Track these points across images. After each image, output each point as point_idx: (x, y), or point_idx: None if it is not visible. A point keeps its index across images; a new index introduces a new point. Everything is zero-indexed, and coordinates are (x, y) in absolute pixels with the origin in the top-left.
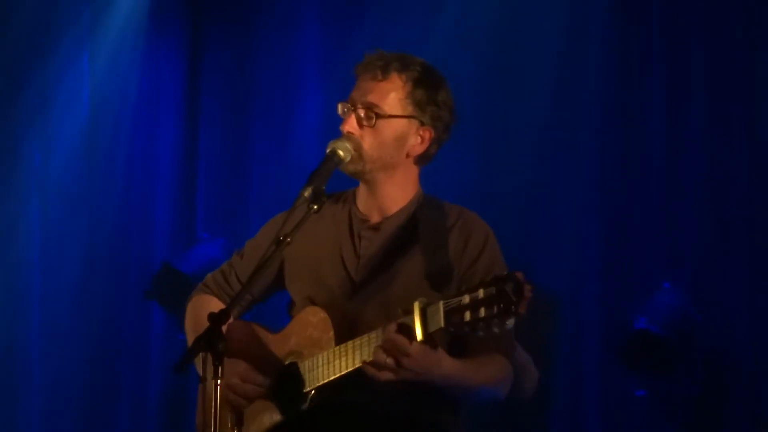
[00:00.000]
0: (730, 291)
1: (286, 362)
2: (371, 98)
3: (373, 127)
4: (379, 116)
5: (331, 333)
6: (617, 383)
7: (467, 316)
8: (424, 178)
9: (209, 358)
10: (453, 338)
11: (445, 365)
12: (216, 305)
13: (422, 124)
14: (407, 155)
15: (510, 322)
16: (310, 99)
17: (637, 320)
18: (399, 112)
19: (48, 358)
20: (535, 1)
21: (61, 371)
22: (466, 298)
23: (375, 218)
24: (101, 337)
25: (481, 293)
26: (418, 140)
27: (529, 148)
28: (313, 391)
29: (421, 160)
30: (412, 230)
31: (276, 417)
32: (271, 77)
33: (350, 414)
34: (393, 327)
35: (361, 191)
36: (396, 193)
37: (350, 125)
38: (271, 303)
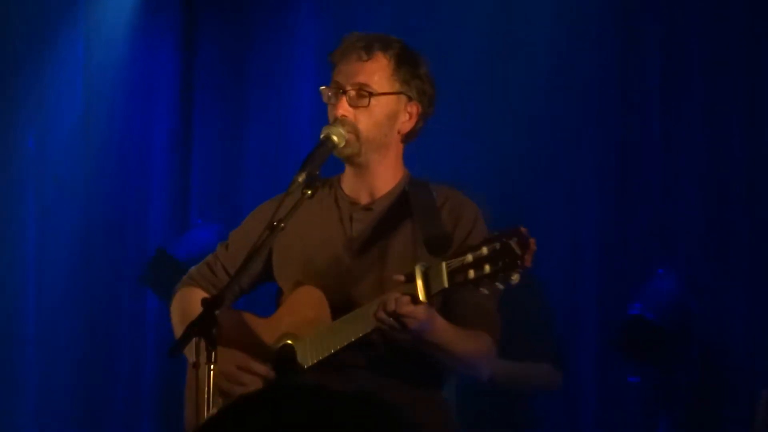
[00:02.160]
0: (725, 277)
1: (280, 344)
2: (360, 78)
3: (367, 107)
4: (372, 95)
5: (328, 310)
6: (612, 370)
7: (471, 274)
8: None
9: (203, 343)
10: (443, 309)
11: (439, 325)
12: (202, 297)
13: (410, 99)
14: (398, 132)
15: (515, 278)
16: (304, 87)
17: (632, 306)
18: (389, 89)
19: (43, 344)
20: None
21: (56, 357)
22: (469, 257)
23: (365, 200)
24: (96, 323)
25: (484, 250)
26: (406, 116)
27: (525, 138)
28: (309, 368)
29: (409, 137)
30: (403, 207)
31: None
32: (266, 64)
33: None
34: (395, 292)
35: (348, 175)
36: (387, 173)
37: (343, 108)
38: (259, 295)
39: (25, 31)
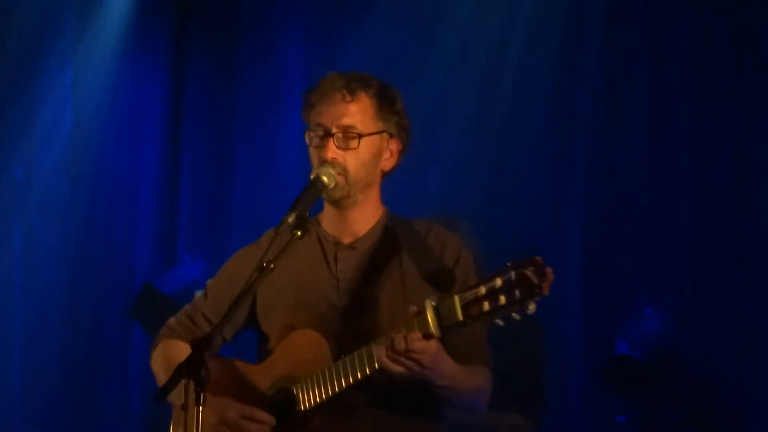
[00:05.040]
0: (712, 316)
1: (276, 389)
2: (346, 121)
3: (355, 149)
4: (360, 136)
5: (327, 350)
6: (599, 408)
7: (486, 306)
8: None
9: (191, 384)
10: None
11: (449, 366)
12: (185, 348)
13: (391, 136)
14: (381, 170)
15: (532, 307)
16: (293, 119)
17: (619, 345)
18: (373, 129)
19: (29, 377)
20: (529, 17)
21: (42, 390)
22: (482, 289)
23: (348, 239)
24: (82, 357)
25: (498, 282)
26: (388, 154)
27: (512, 173)
28: (309, 409)
29: (388, 174)
30: (389, 243)
31: None
32: (254, 97)
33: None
34: (401, 330)
35: (329, 215)
36: (368, 211)
37: (332, 151)
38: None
39: (13, 62)
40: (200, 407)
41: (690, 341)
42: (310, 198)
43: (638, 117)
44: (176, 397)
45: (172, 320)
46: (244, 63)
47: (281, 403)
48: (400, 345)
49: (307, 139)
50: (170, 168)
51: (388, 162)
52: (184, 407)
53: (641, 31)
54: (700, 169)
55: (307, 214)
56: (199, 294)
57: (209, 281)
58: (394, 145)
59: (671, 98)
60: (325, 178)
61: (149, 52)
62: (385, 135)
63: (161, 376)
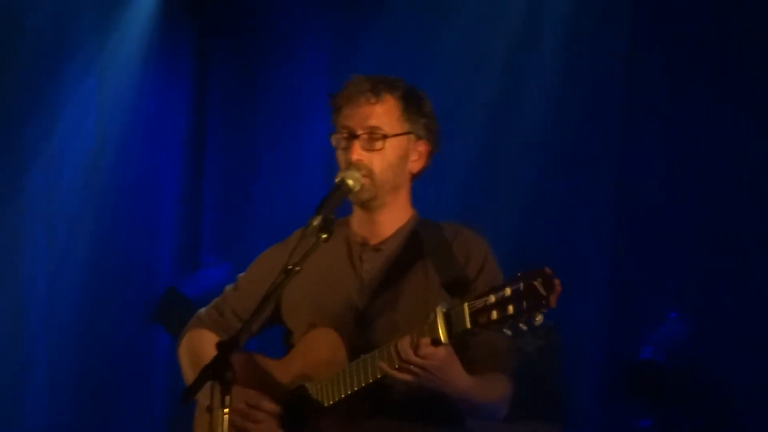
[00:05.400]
0: (737, 321)
1: (294, 386)
2: (372, 122)
3: (381, 150)
4: (386, 137)
5: (343, 352)
6: (622, 413)
7: (494, 315)
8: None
9: (217, 387)
10: (456, 347)
11: (461, 377)
12: (212, 339)
13: (418, 138)
14: (409, 172)
15: (539, 319)
16: (316, 123)
17: (643, 350)
18: (399, 130)
19: (52, 382)
20: (551, 18)
21: (64, 394)
22: (492, 298)
23: (374, 240)
24: (105, 361)
25: (507, 291)
26: (416, 156)
27: (535, 179)
28: (323, 409)
29: (417, 175)
30: (414, 247)
31: None
32: (278, 102)
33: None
34: (412, 335)
35: (358, 216)
36: (396, 213)
37: (358, 152)
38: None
39: (37, 69)
40: (225, 410)
41: (714, 346)
42: (334, 201)
43: (662, 120)
44: (201, 395)
45: (202, 311)
46: (267, 68)
47: (297, 400)
48: (407, 347)
49: (333, 142)
50: (193, 172)
51: (415, 164)
52: (209, 409)
53: (665, 30)
54: (725, 173)
55: (333, 217)
56: (229, 287)
57: (240, 275)
58: (422, 147)
59: (694, 99)
60: (350, 182)
61: (173, 57)
62: (412, 136)
63: (186, 368)
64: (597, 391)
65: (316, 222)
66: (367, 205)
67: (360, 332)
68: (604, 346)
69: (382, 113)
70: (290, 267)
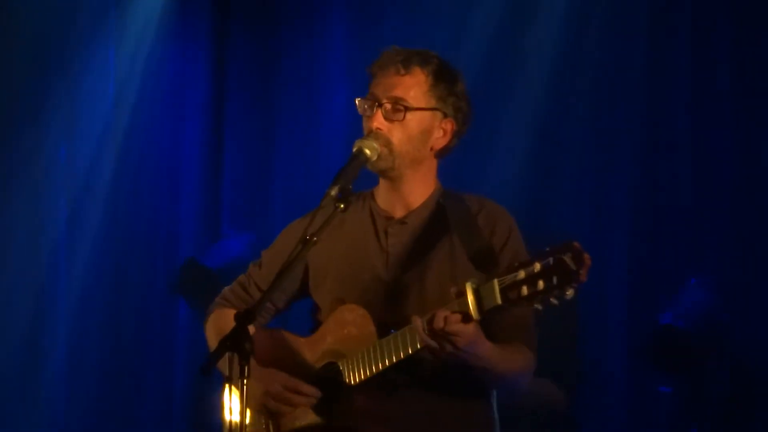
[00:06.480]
0: (758, 287)
1: (323, 363)
2: (397, 92)
3: (401, 121)
4: (407, 109)
5: (372, 327)
6: (643, 380)
7: (524, 290)
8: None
9: (236, 358)
10: (481, 321)
11: (485, 347)
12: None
13: (445, 116)
14: (431, 149)
15: (570, 293)
16: (335, 95)
17: (663, 316)
18: (424, 105)
19: (73, 353)
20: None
21: (86, 365)
22: (522, 273)
23: (399, 213)
24: (126, 333)
25: (537, 266)
26: (441, 133)
27: (553, 149)
28: (354, 386)
29: (442, 153)
30: (439, 221)
31: (312, 418)
32: (297, 73)
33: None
34: (443, 310)
35: (382, 188)
36: (420, 187)
37: (378, 121)
38: (293, 312)
39: (56, 42)
40: (244, 380)
41: (735, 312)
42: (352, 170)
43: (680, 91)
44: (224, 367)
45: (226, 289)
46: (287, 41)
47: (327, 377)
48: (439, 324)
49: (359, 108)
50: (213, 144)
51: (439, 141)
52: (228, 380)
53: (687, 28)
54: (745, 138)
55: (350, 186)
56: (254, 264)
57: (263, 251)
58: (448, 125)
59: (714, 69)
60: (367, 151)
61: (191, 28)
62: (438, 113)
63: (213, 345)
64: (619, 359)
65: (333, 192)
66: (387, 175)
67: (388, 307)
68: (625, 312)
69: (409, 86)
70: (308, 237)
